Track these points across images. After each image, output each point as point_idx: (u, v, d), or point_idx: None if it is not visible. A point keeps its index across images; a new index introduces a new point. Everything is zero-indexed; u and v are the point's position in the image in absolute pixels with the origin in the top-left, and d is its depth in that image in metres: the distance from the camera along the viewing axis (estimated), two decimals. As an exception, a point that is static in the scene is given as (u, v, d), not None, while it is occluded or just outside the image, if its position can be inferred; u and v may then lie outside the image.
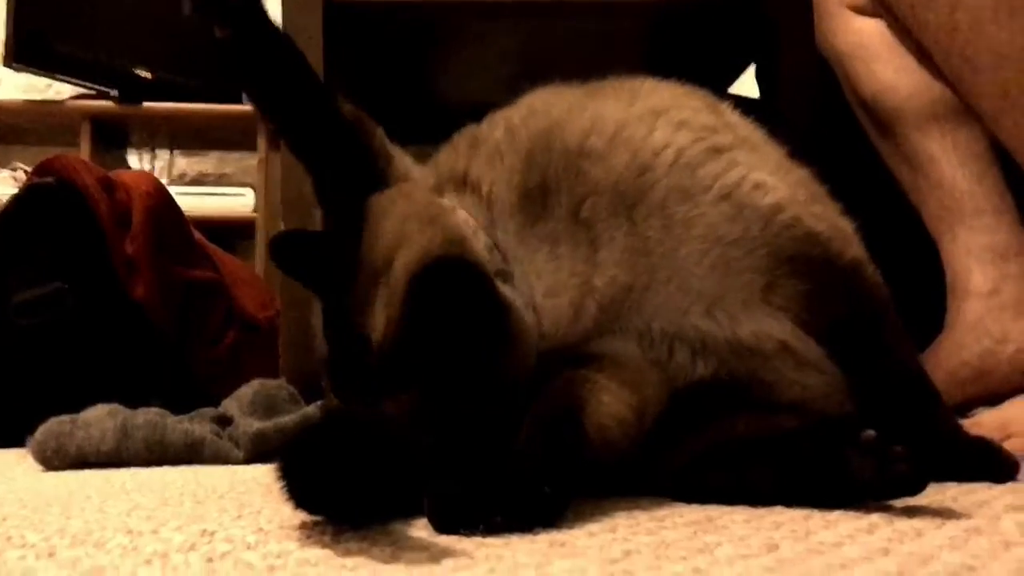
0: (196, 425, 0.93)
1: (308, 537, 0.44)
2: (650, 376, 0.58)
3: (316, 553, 0.41)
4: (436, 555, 0.39)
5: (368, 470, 0.45)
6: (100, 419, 0.91)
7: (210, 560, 0.40)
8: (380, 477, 0.47)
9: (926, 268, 1.31)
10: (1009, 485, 0.59)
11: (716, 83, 1.64)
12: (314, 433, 0.46)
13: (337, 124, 0.63)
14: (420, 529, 0.46)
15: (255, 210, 2.25)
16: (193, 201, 2.23)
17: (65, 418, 0.91)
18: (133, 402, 1.00)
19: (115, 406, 0.94)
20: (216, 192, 2.31)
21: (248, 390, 1.00)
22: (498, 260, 0.58)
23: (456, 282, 0.52)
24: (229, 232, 2.24)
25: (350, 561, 0.39)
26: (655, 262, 0.57)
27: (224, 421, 0.98)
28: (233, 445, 0.92)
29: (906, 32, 1.00)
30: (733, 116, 0.67)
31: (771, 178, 0.60)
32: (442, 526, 0.45)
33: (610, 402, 0.54)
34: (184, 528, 0.47)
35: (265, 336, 1.50)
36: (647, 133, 0.59)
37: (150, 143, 2.52)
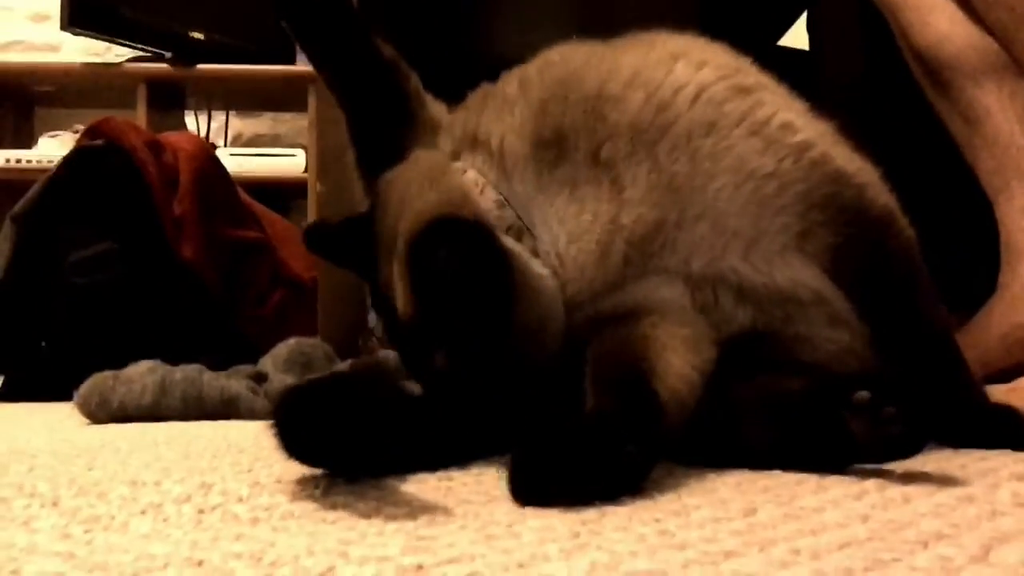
0: (233, 382, 0.96)
1: (301, 491, 0.45)
2: (704, 331, 0.56)
3: (303, 506, 0.42)
4: (415, 511, 0.40)
5: (363, 424, 0.46)
6: (141, 375, 0.94)
7: (200, 512, 0.41)
8: (377, 431, 0.48)
9: (981, 227, 1.26)
10: (1026, 453, 0.58)
11: (768, 34, 1.60)
12: (310, 386, 0.47)
13: (374, 62, 0.63)
14: (414, 484, 0.47)
15: (306, 170, 2.28)
16: (247, 162, 2.26)
17: (108, 373, 0.95)
18: (182, 359, 1.04)
19: (156, 362, 0.98)
20: (269, 153, 2.35)
21: (284, 348, 1.03)
22: (510, 216, 0.58)
23: (450, 242, 0.51)
24: (282, 193, 2.27)
25: (332, 515, 0.40)
26: (684, 197, 0.56)
27: (260, 378, 1.01)
28: (267, 401, 0.95)
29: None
30: (755, 67, 0.65)
31: (799, 119, 0.59)
32: (530, 497, 0.42)
33: (679, 364, 0.53)
34: (186, 480, 0.49)
35: (311, 295, 1.53)
36: (666, 74, 0.58)
37: (206, 105, 2.57)
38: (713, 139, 0.56)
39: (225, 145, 2.56)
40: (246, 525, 0.39)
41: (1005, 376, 0.95)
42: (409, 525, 0.38)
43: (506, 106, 0.61)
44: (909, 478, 0.47)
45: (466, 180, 0.58)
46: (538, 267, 0.56)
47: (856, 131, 1.17)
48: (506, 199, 0.59)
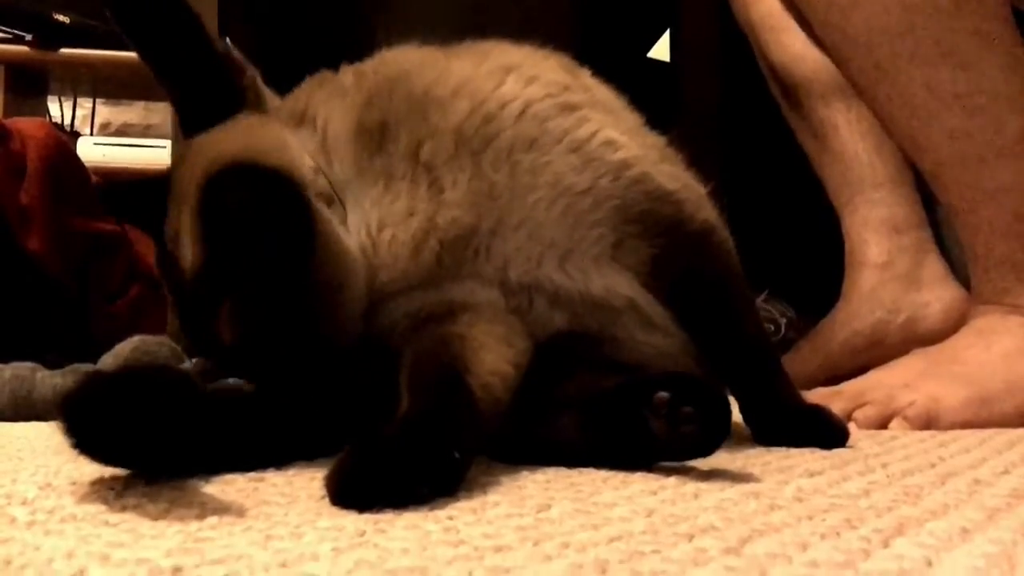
0: (68, 380, 0.92)
1: (93, 493, 0.44)
2: (519, 327, 0.58)
3: (88, 508, 0.40)
4: (206, 512, 0.39)
5: (166, 420, 0.45)
6: (-33, 372, 0.89)
7: (-25, 515, 0.39)
8: (182, 428, 0.46)
9: (832, 235, 1.33)
10: (831, 452, 0.61)
11: (638, 46, 1.65)
12: (104, 378, 0.45)
13: (206, 56, 0.61)
14: (219, 484, 0.46)
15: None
16: (113, 152, 2.18)
17: (-69, 371, 0.89)
18: (28, 356, 0.98)
19: (-15, 360, 0.92)
20: (136, 143, 2.25)
21: (127, 346, 0.99)
22: (323, 184, 0.57)
23: (247, 184, 0.49)
24: (151, 185, 2.19)
25: (116, 517, 0.39)
26: (502, 206, 0.57)
27: (101, 377, 0.96)
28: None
29: (792, 5, 1.00)
30: (590, 80, 0.67)
31: (622, 137, 0.60)
32: (349, 501, 0.40)
33: (492, 360, 0.54)
34: (-28, 483, 0.46)
35: (171, 292, 1.48)
36: (495, 86, 0.59)
37: (72, 91, 2.44)
38: (533, 155, 0.57)
39: (91, 134, 2.44)
40: (20, 528, 0.37)
41: (849, 379, 1.01)
42: (193, 527, 0.37)
43: (338, 92, 0.61)
44: (709, 475, 0.49)
45: (281, 138, 0.58)
46: (343, 234, 0.56)
47: (713, 143, 1.22)
48: (322, 170, 0.58)
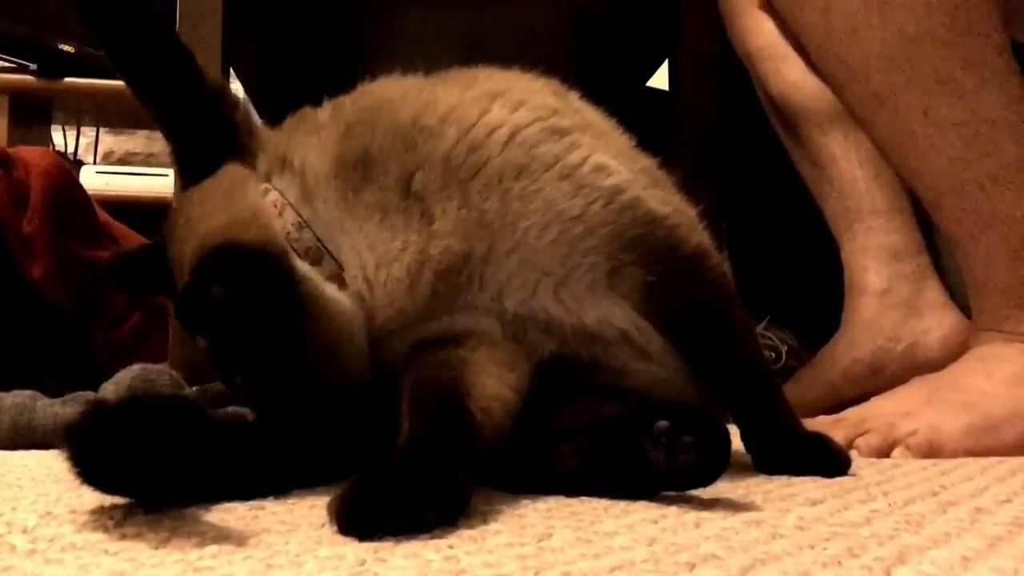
0: (69, 409, 0.92)
1: (93, 521, 0.43)
2: (520, 353, 0.58)
3: (88, 537, 0.40)
4: (206, 540, 0.39)
5: (168, 449, 0.45)
6: (-33, 400, 0.89)
7: (-27, 543, 0.39)
8: (184, 457, 0.46)
9: (831, 265, 1.34)
10: (833, 480, 0.61)
11: (637, 75, 1.66)
12: (107, 408, 0.45)
13: (199, 92, 0.61)
14: (219, 513, 0.46)
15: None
16: (116, 181, 2.19)
17: (-69, 399, 0.89)
18: (30, 384, 0.98)
19: (-14, 388, 0.92)
20: (138, 172, 2.27)
21: (127, 374, 0.98)
22: (308, 239, 0.57)
23: (226, 273, 0.49)
24: (153, 213, 2.20)
25: (116, 545, 0.39)
26: (494, 232, 0.57)
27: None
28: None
29: (791, 33, 1.02)
30: (579, 102, 0.67)
31: (613, 161, 0.60)
32: (356, 530, 0.40)
33: (493, 384, 0.54)
34: (-28, 511, 0.46)
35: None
36: (481, 113, 0.58)
37: (75, 120, 2.46)
38: (523, 182, 0.57)
39: (94, 162, 2.46)
40: (20, 557, 0.37)
41: (850, 407, 1.00)
42: (193, 555, 0.37)
43: (315, 129, 0.60)
44: (710, 503, 0.49)
45: (264, 200, 0.58)
46: (332, 291, 0.55)
47: (712, 171, 1.22)
48: (306, 222, 0.58)
